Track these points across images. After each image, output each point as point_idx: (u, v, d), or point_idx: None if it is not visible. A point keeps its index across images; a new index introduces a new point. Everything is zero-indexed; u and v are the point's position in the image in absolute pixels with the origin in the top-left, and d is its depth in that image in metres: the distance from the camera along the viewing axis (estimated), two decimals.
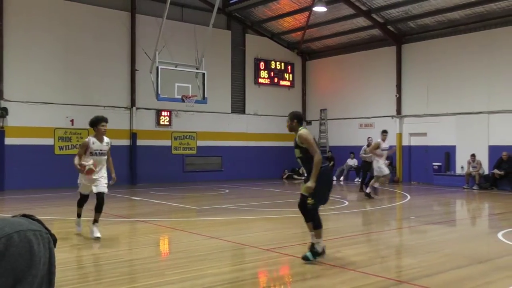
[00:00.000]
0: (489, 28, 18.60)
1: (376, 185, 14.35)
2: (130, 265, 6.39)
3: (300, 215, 6.61)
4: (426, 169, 20.45)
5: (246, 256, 7.15)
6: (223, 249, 7.44)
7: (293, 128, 6.54)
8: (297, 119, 6.57)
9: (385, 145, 14.43)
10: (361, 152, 16.28)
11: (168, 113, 20.55)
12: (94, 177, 7.74)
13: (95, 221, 7.79)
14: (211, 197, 15.50)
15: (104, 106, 18.22)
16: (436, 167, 19.94)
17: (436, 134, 20.13)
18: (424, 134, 20.71)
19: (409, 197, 15.33)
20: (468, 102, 19.04)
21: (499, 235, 8.38)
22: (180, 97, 16.48)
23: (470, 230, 10.26)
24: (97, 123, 7.85)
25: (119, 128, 18.64)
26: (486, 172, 18.34)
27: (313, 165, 6.13)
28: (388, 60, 21.83)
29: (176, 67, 16.70)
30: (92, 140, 7.85)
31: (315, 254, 6.20)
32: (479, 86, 18.77)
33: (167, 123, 20.65)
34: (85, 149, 7.80)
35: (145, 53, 17.12)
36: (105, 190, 7.89)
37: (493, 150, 18.30)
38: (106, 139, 7.95)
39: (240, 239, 8.05)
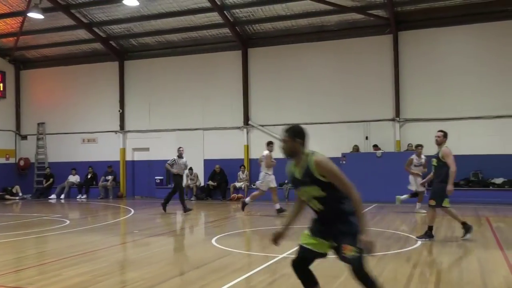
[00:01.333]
0: (202, 52, 20.52)
1: (248, 200, 13.86)
2: None
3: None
4: (149, 183, 21.09)
5: None
6: None
7: (295, 152, 4.12)
8: (301, 138, 4.13)
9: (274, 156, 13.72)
10: (169, 162, 14.89)
11: None
12: None
13: None
14: None
15: None
16: (158, 181, 20.77)
17: (158, 149, 21.00)
18: (147, 149, 21.36)
19: (133, 211, 15.51)
20: (186, 119, 20.53)
21: (213, 241, 9.24)
22: None
23: (189, 238, 11.02)
24: None
25: None
26: (202, 183, 20.05)
27: (355, 205, 3.94)
28: (111, 75, 21.82)
29: None
30: None
31: None
32: (195, 105, 20.46)
33: None
34: None
35: None
36: None
37: (208, 163, 20.18)
38: None
39: None
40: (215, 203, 18.30)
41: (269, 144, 13.82)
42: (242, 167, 19.45)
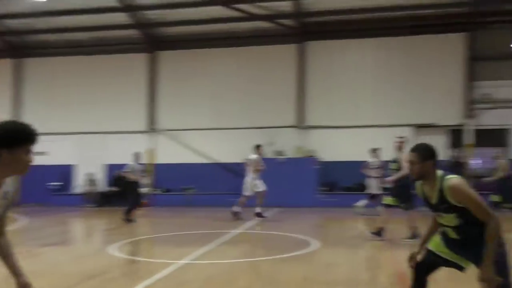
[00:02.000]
0: (109, 53, 19.79)
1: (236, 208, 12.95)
2: None
3: None
4: (43, 190, 19.85)
5: None
6: None
7: (425, 175, 3.82)
8: (432, 158, 3.82)
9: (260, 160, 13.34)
10: (127, 169, 13.19)
11: None
12: None
13: None
14: None
15: None
16: (55, 187, 19.66)
17: (56, 153, 19.85)
18: (45, 153, 20.08)
19: (25, 219, 14.51)
20: (87, 123, 19.65)
21: (110, 249, 8.84)
22: None
23: (84, 247, 10.46)
24: (15, 142, 2.72)
25: None
26: (103, 189, 19.28)
27: (489, 233, 3.55)
28: (4, 75, 20.35)
29: None
30: None
31: None
32: (98, 108, 19.62)
33: None
34: None
35: None
36: None
37: (109, 168, 19.42)
38: (8, 182, 2.91)
39: None
40: (115, 209, 17.58)
41: (258, 147, 13.54)
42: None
